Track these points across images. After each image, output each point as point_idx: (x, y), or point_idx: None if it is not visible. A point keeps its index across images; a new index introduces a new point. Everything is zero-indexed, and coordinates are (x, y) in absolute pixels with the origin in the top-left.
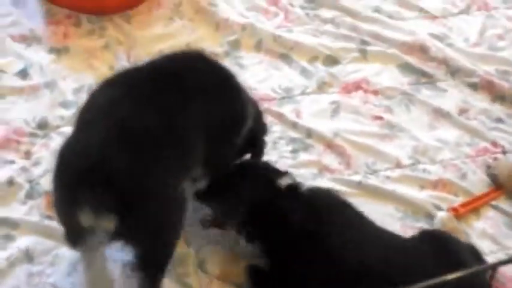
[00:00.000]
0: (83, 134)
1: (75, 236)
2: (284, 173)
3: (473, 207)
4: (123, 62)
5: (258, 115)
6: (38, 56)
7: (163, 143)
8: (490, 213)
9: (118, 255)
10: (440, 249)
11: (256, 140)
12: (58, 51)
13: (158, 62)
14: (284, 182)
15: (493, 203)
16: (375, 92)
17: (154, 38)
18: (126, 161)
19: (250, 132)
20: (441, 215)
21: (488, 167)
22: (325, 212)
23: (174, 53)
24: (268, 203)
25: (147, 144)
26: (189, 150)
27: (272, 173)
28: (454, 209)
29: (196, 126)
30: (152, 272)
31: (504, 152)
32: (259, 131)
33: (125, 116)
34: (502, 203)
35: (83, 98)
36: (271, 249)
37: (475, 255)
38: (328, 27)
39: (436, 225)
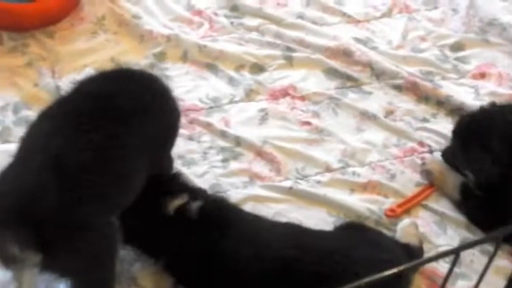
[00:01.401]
0: (17, 168)
1: (5, 260)
2: (175, 194)
3: (409, 206)
4: (47, 79)
5: None
6: None
7: (97, 179)
8: (421, 213)
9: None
10: (356, 234)
11: None
12: None
13: (92, 86)
14: (172, 206)
15: (423, 202)
16: (302, 98)
17: (78, 53)
18: (54, 200)
19: None
20: (404, 222)
21: (423, 163)
22: (221, 228)
23: (104, 73)
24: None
25: (80, 181)
26: (127, 184)
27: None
28: (392, 210)
29: (136, 152)
30: None
31: (431, 152)
32: None
33: (58, 152)
34: (431, 202)
35: (8, 116)
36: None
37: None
38: (253, 35)
39: (398, 231)
